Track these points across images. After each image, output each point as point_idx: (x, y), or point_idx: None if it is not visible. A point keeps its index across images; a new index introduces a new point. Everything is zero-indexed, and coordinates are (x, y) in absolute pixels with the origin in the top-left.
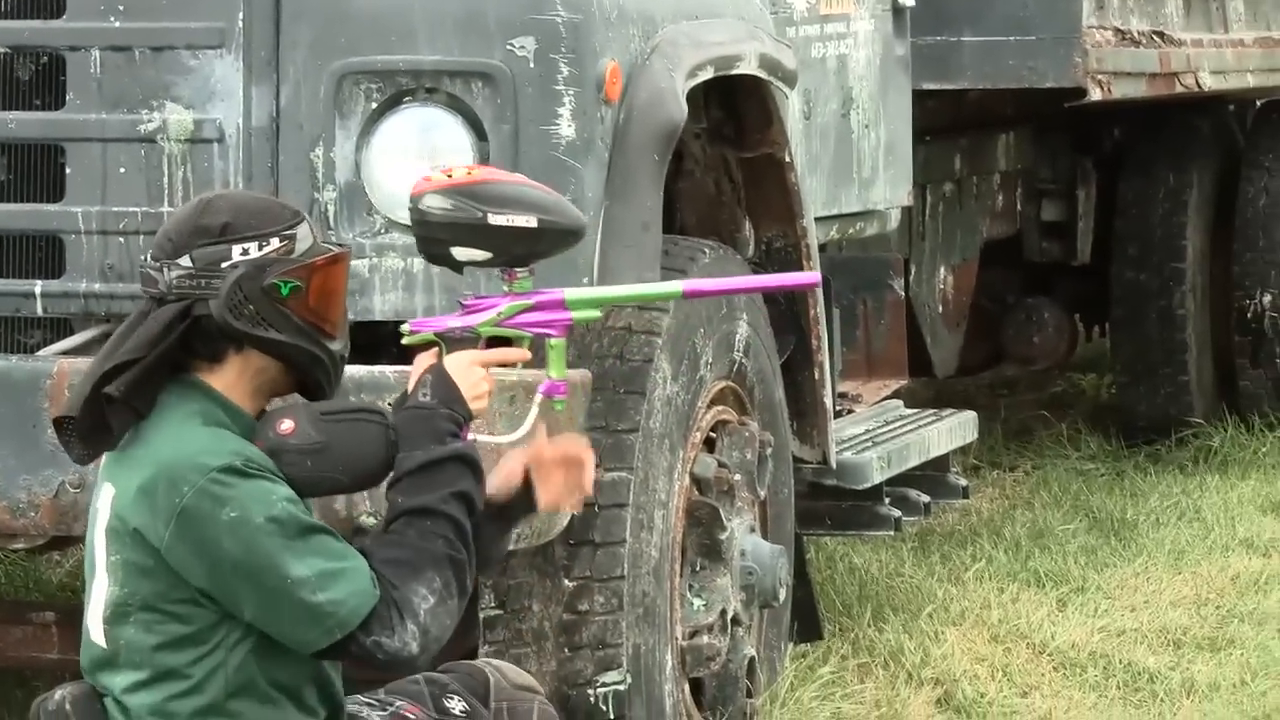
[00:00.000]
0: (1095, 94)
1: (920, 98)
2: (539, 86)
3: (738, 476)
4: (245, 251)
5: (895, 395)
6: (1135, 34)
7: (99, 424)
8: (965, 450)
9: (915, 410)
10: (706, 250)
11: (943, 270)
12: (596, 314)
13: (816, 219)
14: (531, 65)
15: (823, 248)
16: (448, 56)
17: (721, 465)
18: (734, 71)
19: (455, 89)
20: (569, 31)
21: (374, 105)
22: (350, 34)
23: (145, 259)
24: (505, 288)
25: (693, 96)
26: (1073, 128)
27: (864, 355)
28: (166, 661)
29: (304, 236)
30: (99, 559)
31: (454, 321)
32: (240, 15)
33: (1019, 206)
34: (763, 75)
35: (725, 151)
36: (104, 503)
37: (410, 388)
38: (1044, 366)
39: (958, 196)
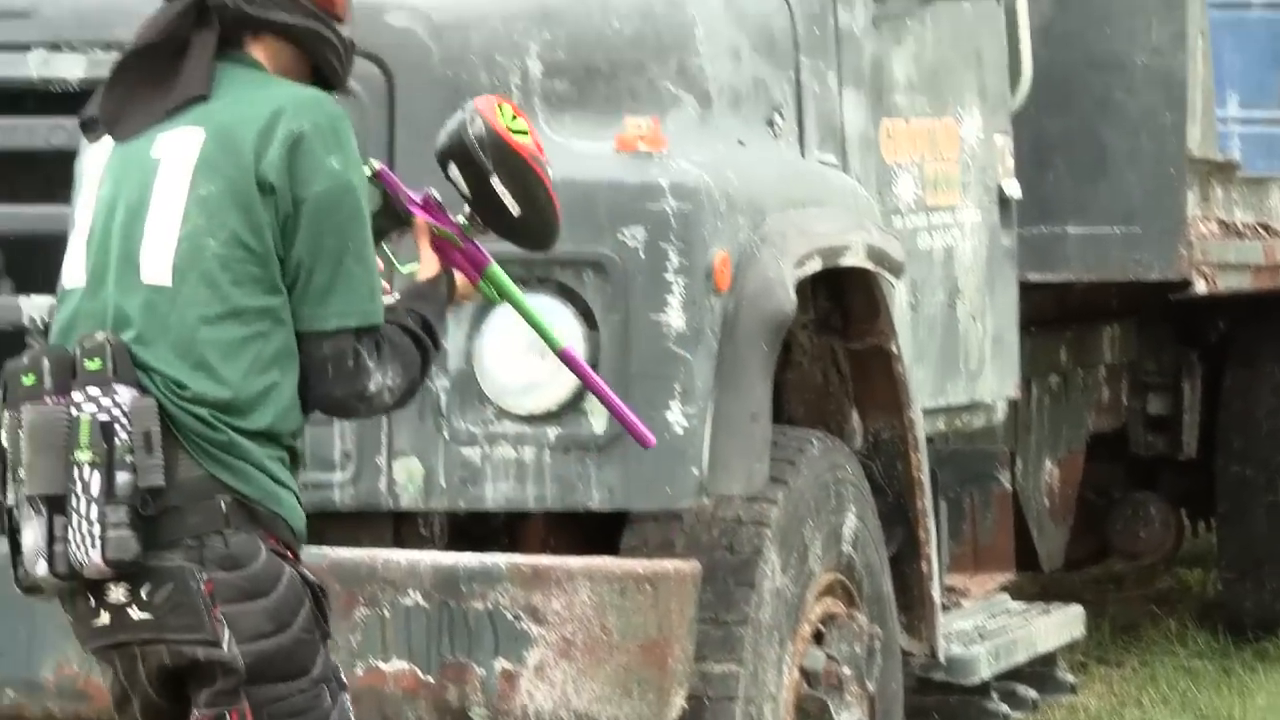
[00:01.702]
0: (1200, 287)
1: (1026, 289)
2: (649, 276)
3: (847, 670)
4: None
5: (1002, 589)
6: (1239, 226)
7: (125, 106)
8: (1072, 646)
9: (1023, 604)
10: (814, 441)
11: (1049, 463)
12: (496, 298)
13: (924, 411)
14: (641, 255)
15: (930, 440)
16: (559, 246)
17: (830, 659)
18: (841, 262)
19: (566, 278)
20: (679, 221)
21: None
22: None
23: None
24: (460, 217)
25: (800, 286)
26: (1178, 320)
27: (971, 548)
28: (241, 300)
29: None
30: (168, 198)
31: (408, 201)
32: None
33: (1124, 399)
34: (870, 266)
35: (833, 342)
36: (178, 147)
37: (432, 277)
38: (1150, 561)
39: (1064, 389)
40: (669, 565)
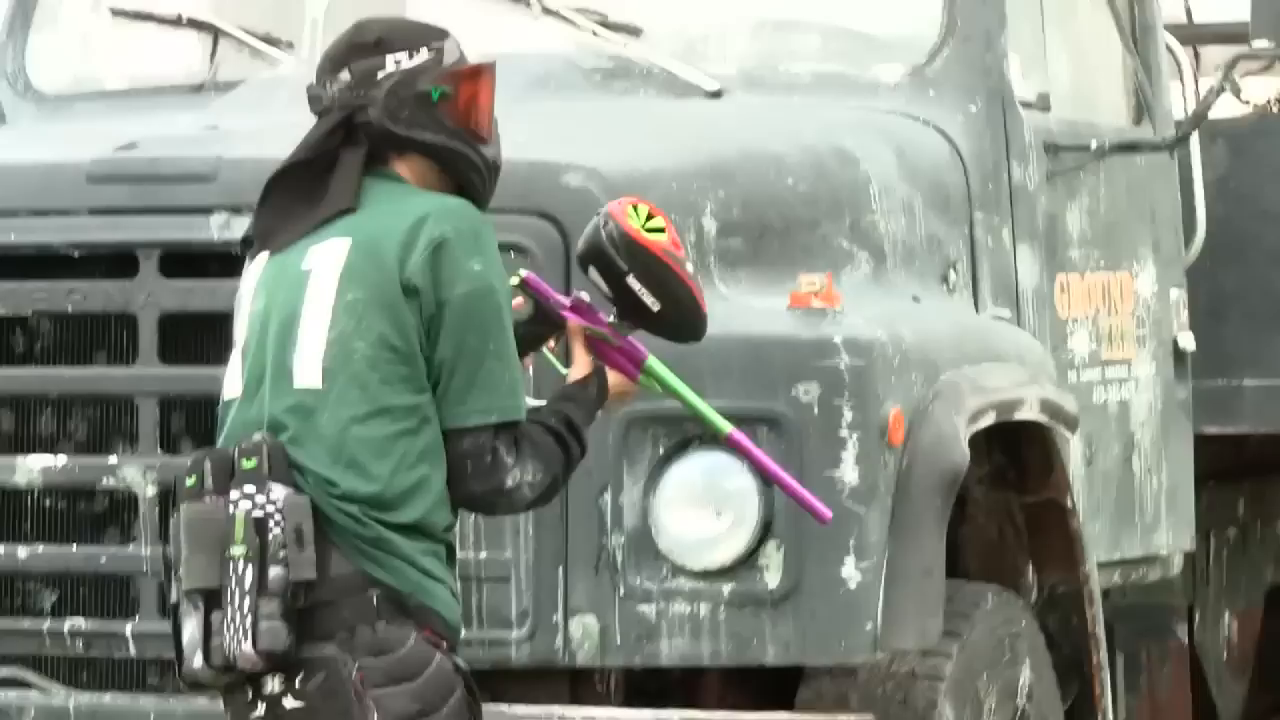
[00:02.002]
0: None
1: (1202, 442)
2: (822, 431)
3: None
4: (398, 62)
5: None
6: None
7: (277, 221)
8: None
9: None
10: (989, 595)
11: (1227, 617)
12: (658, 389)
13: (1099, 564)
14: (815, 411)
15: (1106, 593)
16: (733, 402)
17: None
18: (1016, 417)
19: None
20: (852, 377)
21: (661, 451)
22: None
23: (310, 85)
24: (611, 317)
25: (975, 441)
26: None
27: (1148, 703)
28: (389, 399)
29: (451, 50)
30: (317, 305)
31: (559, 305)
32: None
33: None
34: (1044, 420)
35: (1008, 496)
36: (326, 257)
37: (585, 376)
38: None
39: (1242, 542)
40: None
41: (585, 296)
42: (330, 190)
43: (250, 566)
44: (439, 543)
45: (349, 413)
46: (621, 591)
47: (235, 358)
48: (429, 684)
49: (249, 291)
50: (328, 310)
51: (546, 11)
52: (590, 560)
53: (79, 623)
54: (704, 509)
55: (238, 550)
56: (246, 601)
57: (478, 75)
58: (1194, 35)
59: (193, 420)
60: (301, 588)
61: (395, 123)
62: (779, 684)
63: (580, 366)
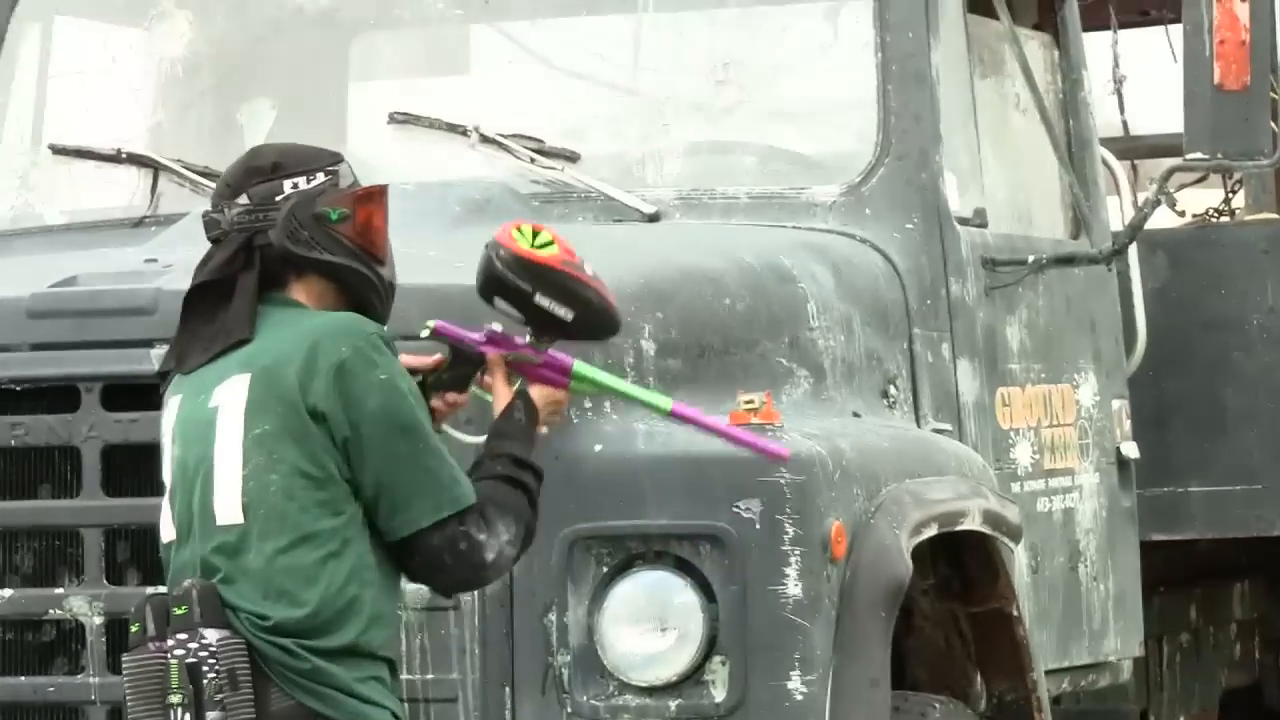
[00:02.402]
0: None
1: (1150, 549)
2: (765, 547)
3: None
4: (295, 185)
5: None
6: None
7: (187, 344)
8: None
9: None
10: (937, 705)
11: None
12: (589, 389)
13: (1047, 671)
14: (758, 526)
15: (1057, 700)
16: (676, 520)
17: None
18: (959, 528)
19: (684, 551)
20: (794, 493)
21: (605, 570)
22: (580, 500)
23: (204, 211)
24: (529, 339)
25: (919, 553)
26: None
27: None
28: (309, 525)
29: (346, 174)
30: (228, 444)
31: (474, 343)
32: None
33: (1258, 655)
34: (987, 531)
35: (954, 606)
36: (230, 394)
37: (506, 406)
38: None
39: (1195, 647)
40: None
41: (498, 326)
42: (229, 317)
43: (188, 714)
44: (378, 661)
45: (272, 545)
46: (569, 709)
47: (165, 503)
48: None
49: (167, 433)
50: (238, 447)
51: (484, 139)
52: (537, 679)
53: None
54: (649, 625)
55: (175, 698)
56: None
57: (372, 198)
58: (1130, 149)
59: (138, 550)
60: None
61: (295, 244)
62: None
63: (501, 397)
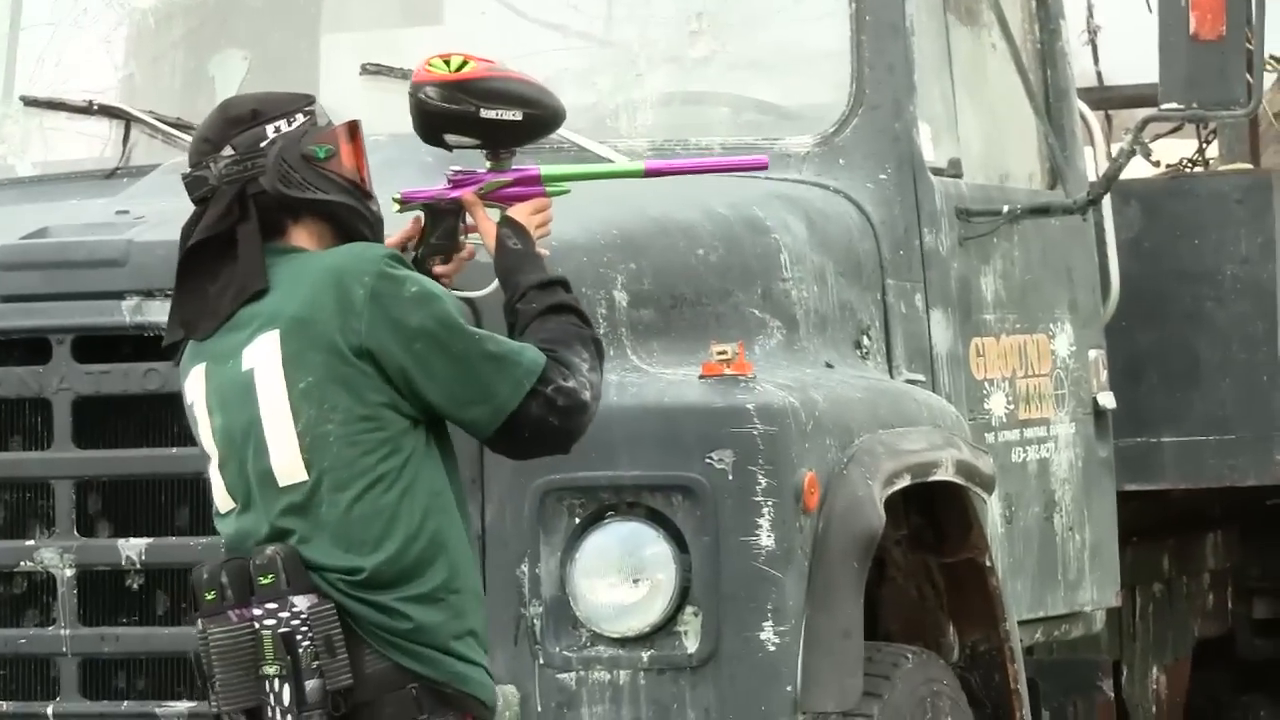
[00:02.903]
0: None
1: (1125, 499)
2: (738, 498)
3: None
4: (278, 129)
5: None
6: None
7: (195, 307)
8: None
9: None
10: (909, 656)
11: (1155, 670)
12: (567, 189)
13: (1021, 622)
14: (730, 478)
15: (1030, 650)
16: (648, 471)
17: None
18: (931, 479)
19: (656, 503)
20: (766, 444)
21: (577, 521)
22: None
23: (185, 172)
24: (488, 165)
25: (892, 504)
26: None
27: None
28: (377, 468)
29: (321, 114)
30: (273, 403)
31: (444, 193)
32: None
33: (1230, 605)
34: (960, 482)
35: (926, 557)
36: (262, 353)
37: (496, 240)
38: None
39: (1168, 597)
40: None
41: (456, 166)
42: (239, 271)
43: (286, 684)
44: (471, 616)
45: (345, 494)
46: (541, 660)
47: (213, 473)
48: None
49: (199, 403)
50: (285, 405)
51: None
52: (509, 631)
53: (0, 705)
54: (621, 576)
55: (270, 669)
56: (289, 718)
57: (354, 133)
58: (1105, 99)
59: (109, 502)
60: (341, 695)
61: (289, 186)
62: None
63: (489, 233)
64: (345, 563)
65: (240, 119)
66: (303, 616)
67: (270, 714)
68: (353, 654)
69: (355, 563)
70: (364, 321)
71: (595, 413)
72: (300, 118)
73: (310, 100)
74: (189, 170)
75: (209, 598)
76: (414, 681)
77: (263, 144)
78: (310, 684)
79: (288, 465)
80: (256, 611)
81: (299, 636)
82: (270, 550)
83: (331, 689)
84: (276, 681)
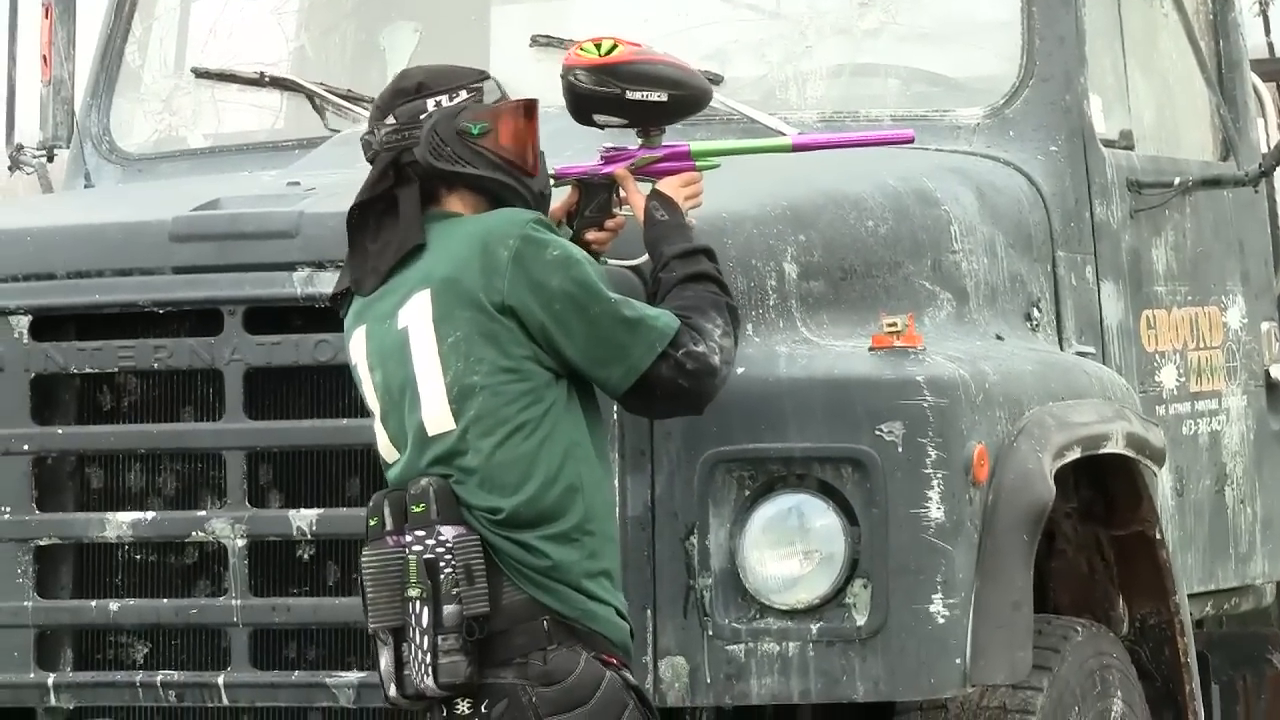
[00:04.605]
0: None
1: None
2: (907, 471)
3: None
4: (438, 103)
5: None
6: None
7: (360, 266)
8: None
9: None
10: (1079, 628)
11: None
12: (718, 163)
13: (1191, 595)
14: (900, 450)
15: (1199, 623)
16: (817, 443)
17: None
18: (1101, 451)
19: (825, 475)
20: (936, 416)
21: (746, 493)
22: (721, 423)
23: (361, 135)
24: (640, 141)
25: (1062, 476)
26: None
27: None
28: (518, 417)
29: (491, 90)
30: (425, 359)
31: (597, 168)
32: (614, 409)
33: None
34: (1131, 454)
35: (1096, 530)
36: (415, 312)
37: (645, 212)
38: None
39: None
40: None
41: (609, 144)
42: (399, 230)
43: (426, 607)
44: (606, 555)
45: (489, 442)
46: (710, 632)
47: (377, 427)
48: (600, 705)
49: (361, 362)
50: (435, 359)
51: None
52: (678, 602)
53: (171, 675)
54: (790, 549)
55: (414, 592)
56: (426, 639)
57: (519, 111)
58: (1277, 70)
59: (279, 473)
60: (476, 621)
61: (438, 159)
62: (871, 719)
63: (638, 206)
64: (488, 503)
65: (406, 91)
66: (447, 545)
67: (411, 634)
68: (491, 585)
69: (497, 503)
70: (506, 281)
71: (726, 376)
72: (463, 94)
73: (481, 77)
74: (364, 133)
75: (372, 524)
76: (546, 614)
77: (421, 116)
78: (448, 609)
79: (438, 415)
80: (407, 538)
81: (441, 563)
82: (424, 482)
83: (468, 615)
84: (418, 604)
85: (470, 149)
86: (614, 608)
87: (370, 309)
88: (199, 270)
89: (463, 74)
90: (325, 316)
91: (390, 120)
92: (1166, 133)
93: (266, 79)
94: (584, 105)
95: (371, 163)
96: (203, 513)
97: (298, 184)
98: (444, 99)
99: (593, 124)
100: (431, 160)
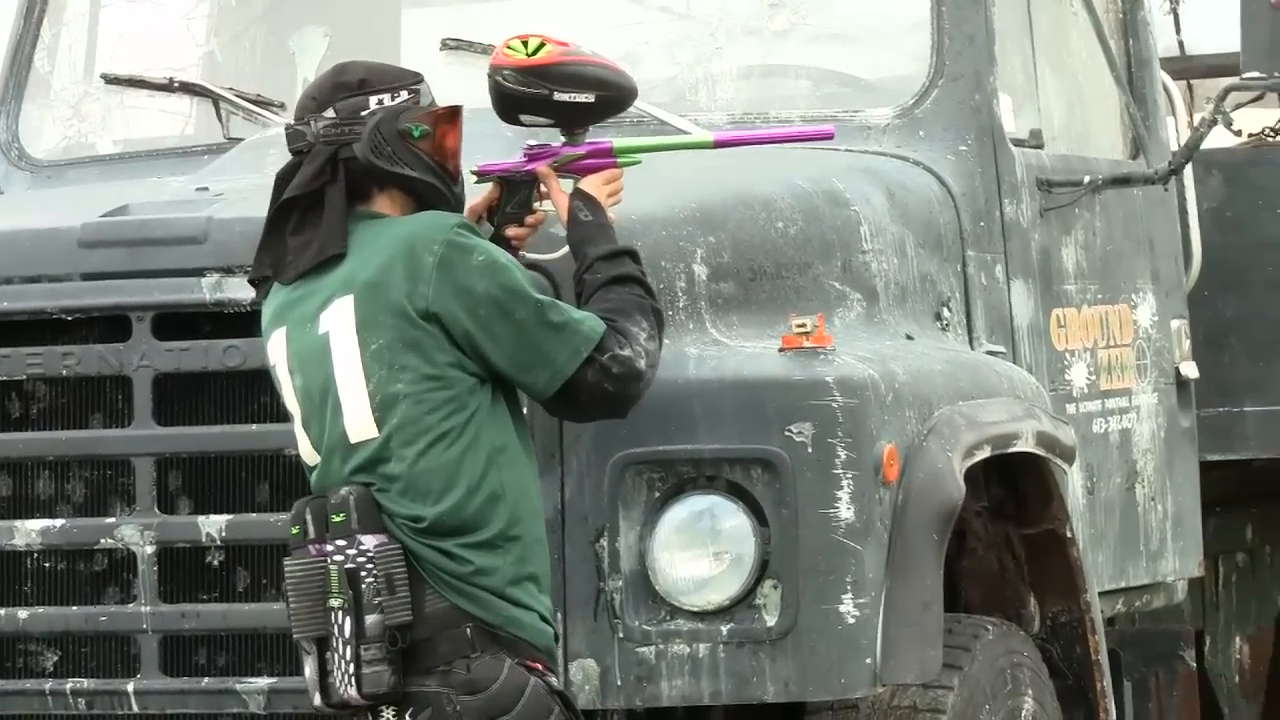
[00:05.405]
0: None
1: (1207, 468)
2: (817, 471)
3: None
4: (381, 101)
5: None
6: None
7: (281, 255)
8: None
9: None
10: (990, 627)
11: (1238, 640)
12: (639, 160)
13: (1103, 592)
14: (810, 450)
15: (1111, 621)
16: (727, 445)
17: None
18: (1011, 450)
19: (735, 476)
20: (845, 416)
21: (656, 495)
22: (631, 425)
23: (288, 124)
24: (563, 139)
25: (972, 475)
26: None
27: None
28: (441, 425)
29: (426, 93)
30: (347, 365)
31: (520, 165)
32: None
33: None
34: (1041, 453)
35: (1007, 529)
36: (337, 317)
37: (568, 212)
38: None
39: (1251, 566)
40: None
41: (533, 141)
42: (322, 230)
43: (348, 617)
44: (531, 561)
45: (412, 450)
46: (620, 634)
47: (299, 430)
48: (525, 711)
49: (281, 364)
50: (358, 366)
51: None
52: (588, 605)
53: (81, 683)
54: (701, 550)
55: (336, 601)
56: (349, 649)
57: (453, 117)
58: (1187, 69)
59: (189, 479)
60: (399, 630)
61: (379, 158)
62: (783, 719)
63: (561, 205)
64: (411, 511)
65: (348, 85)
66: (369, 554)
67: (334, 644)
68: (414, 593)
69: (420, 511)
70: (432, 287)
71: (651, 380)
72: (404, 94)
73: (419, 79)
74: (292, 123)
75: (294, 532)
76: (469, 622)
77: (363, 113)
78: (371, 618)
79: (360, 423)
80: (328, 548)
81: (363, 573)
82: (345, 491)
83: (391, 624)
84: (340, 614)
85: (409, 150)
86: (538, 613)
87: (291, 311)
88: (108, 277)
89: (402, 74)
90: (234, 322)
91: (330, 113)
92: (1076, 132)
93: (176, 84)
94: (511, 105)
95: (298, 153)
96: (112, 520)
97: (206, 189)
98: (386, 98)
99: (519, 123)
100: (371, 158)
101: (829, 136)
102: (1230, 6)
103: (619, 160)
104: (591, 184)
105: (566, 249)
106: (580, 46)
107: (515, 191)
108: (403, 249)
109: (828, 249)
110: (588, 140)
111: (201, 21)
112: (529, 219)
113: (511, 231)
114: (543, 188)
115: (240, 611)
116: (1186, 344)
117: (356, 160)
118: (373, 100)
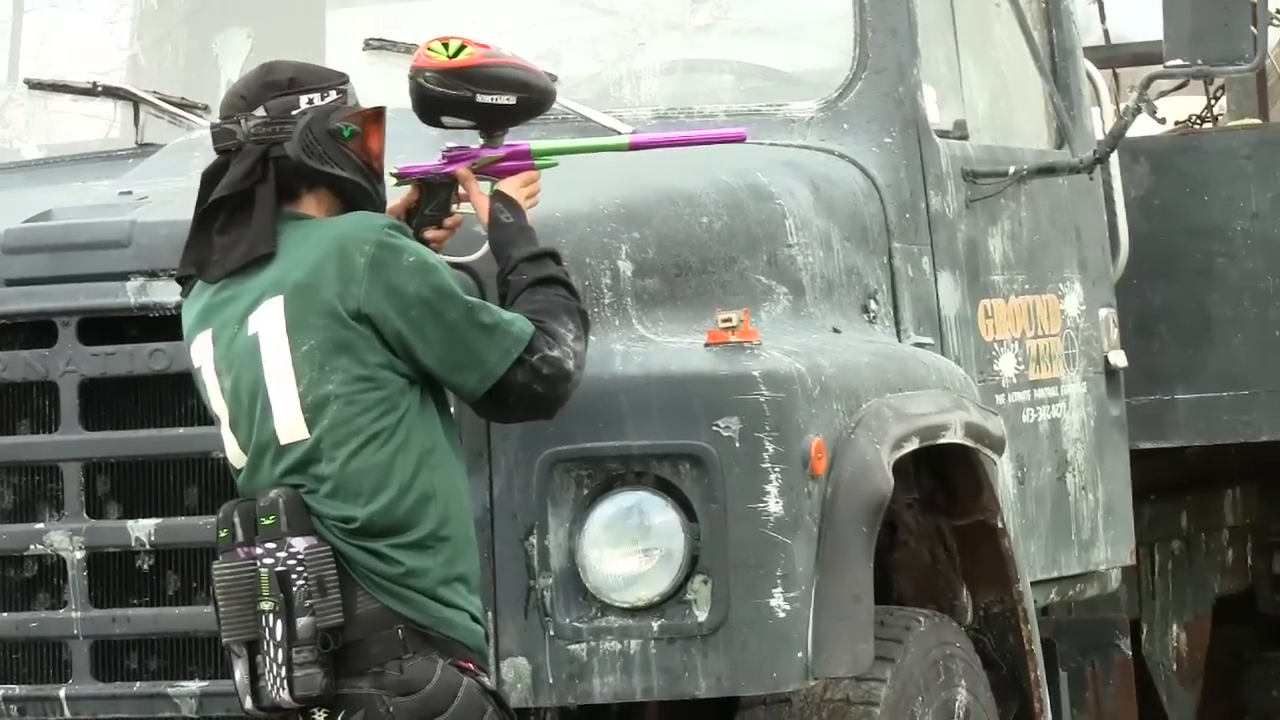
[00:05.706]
0: None
1: (1141, 457)
2: (745, 465)
3: None
4: (311, 100)
5: None
6: None
7: (207, 253)
8: None
9: None
10: (922, 619)
11: (1175, 628)
12: (556, 162)
13: (1036, 582)
14: (737, 445)
15: (1045, 610)
16: (655, 441)
17: None
18: (940, 441)
19: (663, 472)
20: (772, 410)
21: (585, 492)
22: (559, 423)
23: (214, 122)
24: (482, 141)
25: (902, 467)
26: None
27: (1094, 717)
28: (372, 426)
29: (352, 94)
30: (276, 366)
31: (439, 168)
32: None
33: (1250, 561)
34: (970, 444)
35: (938, 520)
36: (267, 318)
37: (489, 214)
38: None
39: (1186, 554)
40: None
41: (452, 143)
42: (251, 230)
43: (279, 620)
44: (462, 561)
45: (343, 451)
46: (551, 632)
47: (226, 432)
48: (459, 711)
49: (207, 366)
50: (288, 367)
51: None
52: (519, 603)
53: (12, 689)
54: (630, 547)
55: (266, 605)
56: (280, 652)
57: (379, 117)
58: (1112, 58)
59: (117, 484)
60: (331, 633)
61: (310, 157)
62: (717, 716)
63: (482, 207)
64: (341, 512)
65: (278, 84)
66: (299, 557)
67: (264, 647)
68: (345, 595)
69: (350, 512)
70: (363, 288)
71: (579, 380)
72: (334, 94)
73: (345, 80)
74: (218, 121)
75: (222, 535)
76: (401, 623)
77: (294, 112)
78: (302, 621)
79: (291, 424)
80: (258, 550)
81: (294, 575)
82: (274, 494)
83: (322, 627)
84: (271, 617)
85: (339, 150)
86: (469, 613)
87: (217, 313)
88: (32, 282)
89: (330, 74)
90: (160, 325)
91: (260, 112)
92: (1001, 122)
93: (99, 89)
94: (432, 107)
95: (225, 152)
96: (40, 525)
97: (130, 193)
98: (316, 97)
99: (440, 125)
100: (304, 158)
101: (741, 139)
102: None
103: (536, 163)
104: (510, 186)
105: (485, 250)
106: (501, 49)
107: (434, 194)
108: (334, 249)
109: (753, 243)
110: (506, 143)
111: (125, 25)
112: (447, 221)
113: (430, 234)
114: (461, 190)
115: (171, 615)
116: (1115, 333)
117: (287, 159)
118: (303, 99)
